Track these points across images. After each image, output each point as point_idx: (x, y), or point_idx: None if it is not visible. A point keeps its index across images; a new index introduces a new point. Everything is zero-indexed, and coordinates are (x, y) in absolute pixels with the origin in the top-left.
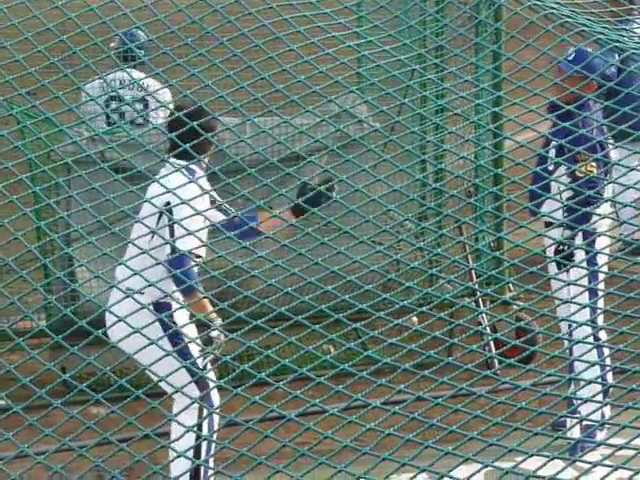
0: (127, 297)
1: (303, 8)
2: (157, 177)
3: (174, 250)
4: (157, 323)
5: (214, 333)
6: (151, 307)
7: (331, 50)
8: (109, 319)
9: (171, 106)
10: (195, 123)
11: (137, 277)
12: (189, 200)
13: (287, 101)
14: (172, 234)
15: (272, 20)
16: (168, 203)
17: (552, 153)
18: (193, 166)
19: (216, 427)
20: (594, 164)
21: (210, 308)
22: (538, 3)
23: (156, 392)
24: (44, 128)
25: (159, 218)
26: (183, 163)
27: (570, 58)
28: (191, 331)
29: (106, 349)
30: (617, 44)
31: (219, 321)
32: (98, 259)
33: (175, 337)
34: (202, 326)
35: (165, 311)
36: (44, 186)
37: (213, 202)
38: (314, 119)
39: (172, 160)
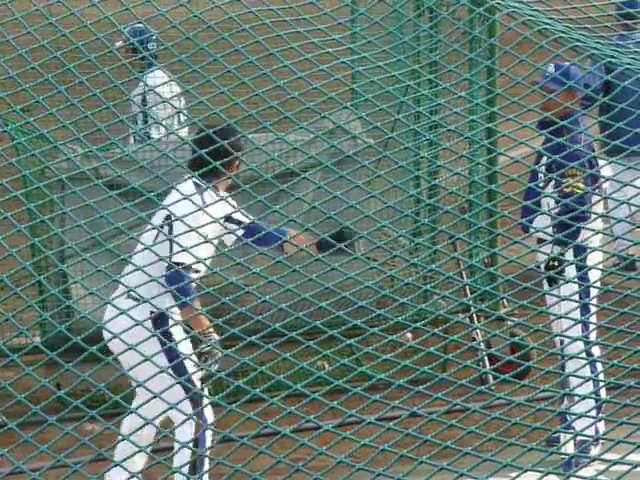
0: (129, 309)
1: (297, 24)
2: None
3: (171, 265)
4: (154, 337)
5: (208, 349)
6: (149, 321)
7: (325, 66)
8: (109, 332)
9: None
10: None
11: (138, 289)
12: (188, 214)
13: (281, 117)
14: (171, 249)
15: (266, 36)
16: (168, 217)
17: (542, 170)
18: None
19: (208, 444)
20: (581, 180)
21: (207, 323)
22: (532, 19)
23: None
24: (38, 145)
25: (159, 232)
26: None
27: (548, 74)
28: (187, 346)
29: (100, 365)
30: (611, 59)
31: (215, 336)
32: (93, 276)
33: (171, 352)
34: (198, 342)
35: (163, 325)
36: (39, 203)
37: (228, 218)
38: (308, 135)
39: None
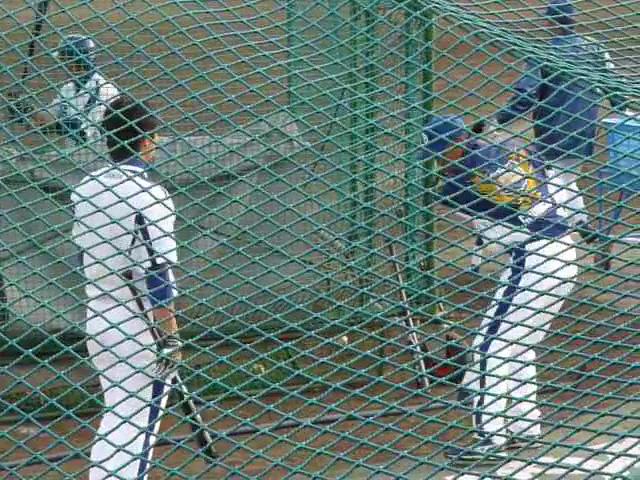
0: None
1: (234, 27)
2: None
3: (154, 264)
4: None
5: (167, 350)
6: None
7: (262, 69)
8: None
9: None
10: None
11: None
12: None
13: (217, 120)
14: (149, 250)
15: (203, 39)
16: (140, 217)
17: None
18: (137, 168)
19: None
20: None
21: (175, 328)
22: (469, 22)
23: (86, 412)
24: None
25: (136, 232)
26: (131, 168)
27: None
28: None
29: (36, 368)
30: (547, 63)
31: (179, 343)
32: (28, 278)
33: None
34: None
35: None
36: None
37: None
38: (245, 138)
39: (124, 167)
